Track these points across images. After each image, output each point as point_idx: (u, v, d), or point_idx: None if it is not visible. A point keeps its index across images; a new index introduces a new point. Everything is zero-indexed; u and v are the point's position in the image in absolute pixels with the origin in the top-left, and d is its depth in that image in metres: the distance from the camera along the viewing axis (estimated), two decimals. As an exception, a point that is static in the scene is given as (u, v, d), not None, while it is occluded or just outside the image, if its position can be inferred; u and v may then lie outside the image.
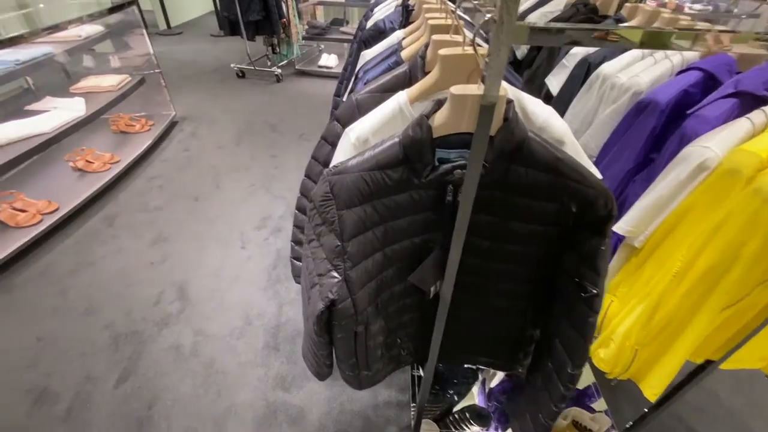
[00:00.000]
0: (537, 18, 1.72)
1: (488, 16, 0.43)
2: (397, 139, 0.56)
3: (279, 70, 3.79)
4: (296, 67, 4.04)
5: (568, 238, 0.61)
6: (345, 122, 0.80)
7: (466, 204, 0.56)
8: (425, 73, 0.75)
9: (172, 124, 3.00)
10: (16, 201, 1.96)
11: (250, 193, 2.29)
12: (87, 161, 2.31)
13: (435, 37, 0.73)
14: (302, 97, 3.53)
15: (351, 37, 3.98)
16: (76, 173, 2.28)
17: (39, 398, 1.29)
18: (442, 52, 0.63)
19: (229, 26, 3.58)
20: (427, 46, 0.76)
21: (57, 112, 2.12)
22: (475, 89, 0.50)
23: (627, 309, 0.81)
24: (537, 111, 0.67)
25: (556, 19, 1.54)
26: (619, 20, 1.25)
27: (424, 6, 1.05)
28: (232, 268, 1.81)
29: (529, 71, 1.46)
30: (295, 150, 2.72)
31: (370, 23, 1.53)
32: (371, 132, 0.68)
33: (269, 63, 4.11)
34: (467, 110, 0.52)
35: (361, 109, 0.78)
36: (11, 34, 1.81)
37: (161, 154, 2.64)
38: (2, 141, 1.85)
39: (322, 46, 4.50)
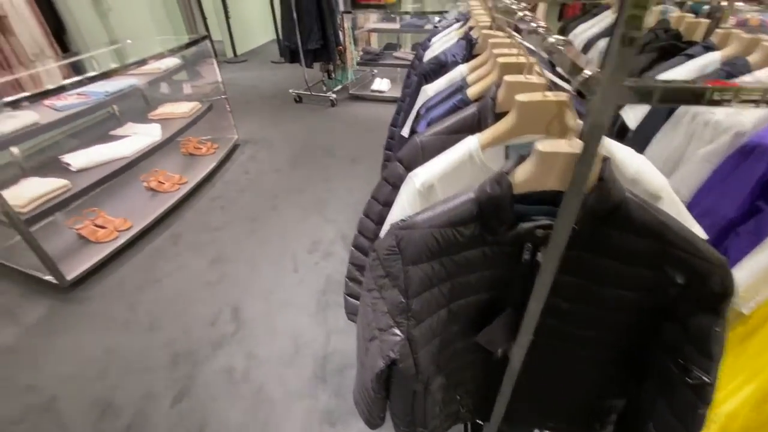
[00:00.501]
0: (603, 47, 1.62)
1: (588, 73, 0.39)
2: (472, 195, 0.52)
3: (334, 95, 3.92)
4: (350, 92, 4.16)
5: (669, 308, 0.53)
6: (408, 165, 0.77)
7: (550, 267, 0.50)
8: (496, 116, 0.70)
9: (235, 147, 3.18)
10: (97, 218, 2.15)
11: (303, 217, 2.34)
12: (159, 182, 2.50)
13: (508, 78, 0.69)
14: (355, 122, 3.62)
15: (404, 62, 4.07)
16: (149, 193, 2.47)
17: (104, 412, 1.36)
18: (520, 98, 0.59)
19: (290, 54, 3.78)
20: (498, 86, 0.72)
21: (136, 138, 2.32)
22: (567, 147, 0.45)
23: (733, 386, 0.69)
24: (627, 160, 0.60)
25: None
26: (708, 47, 1.13)
27: (491, 40, 1.01)
28: (284, 291, 1.84)
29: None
30: (347, 174, 2.76)
31: (429, 55, 1.51)
32: (438, 178, 0.65)
33: (325, 88, 4.27)
34: (556, 168, 0.47)
35: (426, 151, 0.75)
36: (103, 69, 2.04)
37: (224, 175, 2.80)
38: (89, 164, 2.05)
39: (375, 71, 4.61)
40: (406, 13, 3.70)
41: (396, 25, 3.96)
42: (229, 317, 1.72)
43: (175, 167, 2.73)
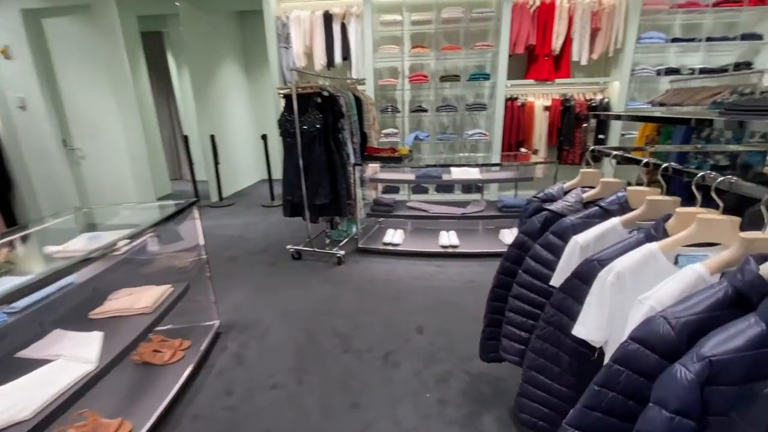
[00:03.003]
0: None
1: None
2: None
3: (341, 252, 3.27)
4: (359, 245, 3.54)
5: None
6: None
7: None
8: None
9: (215, 339, 2.29)
10: None
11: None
12: (82, 435, 1.51)
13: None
14: (373, 287, 2.88)
15: (419, 213, 3.60)
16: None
17: None
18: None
19: (290, 209, 3.22)
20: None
21: (55, 370, 1.43)
22: None
23: None
24: None
25: None
26: None
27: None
28: None
29: None
30: (383, 387, 1.88)
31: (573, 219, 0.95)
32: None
33: (328, 240, 3.65)
34: None
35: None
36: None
37: (193, 402, 1.83)
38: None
39: (381, 221, 4.11)
40: (426, 166, 3.37)
41: (410, 176, 3.60)
42: None
43: (118, 399, 1.77)
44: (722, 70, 4.76)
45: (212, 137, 5.30)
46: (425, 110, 5.08)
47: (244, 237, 4.07)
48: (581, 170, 1.40)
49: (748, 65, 4.72)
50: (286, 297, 2.78)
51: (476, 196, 5.08)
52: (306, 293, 2.83)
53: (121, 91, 4.33)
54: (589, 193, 1.28)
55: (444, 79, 4.95)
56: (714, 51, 4.95)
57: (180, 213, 2.04)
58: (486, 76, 4.91)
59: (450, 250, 3.40)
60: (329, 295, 2.79)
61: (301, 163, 2.99)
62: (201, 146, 5.43)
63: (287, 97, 2.98)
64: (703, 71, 4.77)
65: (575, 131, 5.00)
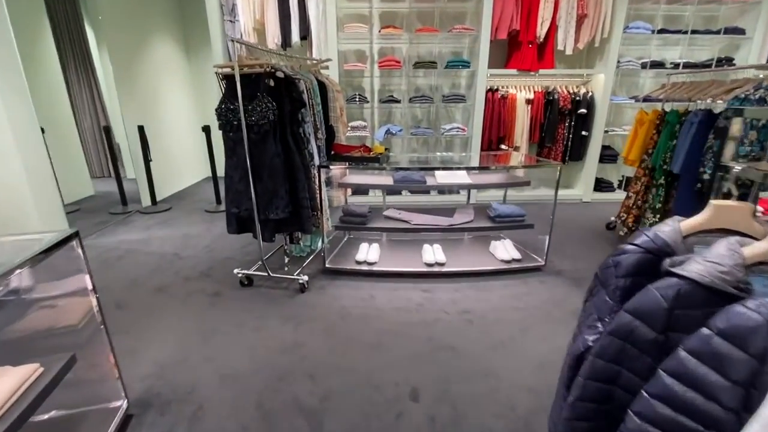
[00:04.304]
0: None
1: None
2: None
3: (305, 278, 2.60)
4: (326, 265, 2.88)
5: None
6: None
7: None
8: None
9: (122, 425, 1.57)
10: None
11: None
12: None
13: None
14: (346, 326, 2.26)
15: (401, 225, 2.99)
16: None
17: None
18: None
19: (237, 224, 2.50)
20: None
21: None
22: None
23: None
24: None
25: None
26: None
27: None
28: None
29: None
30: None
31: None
32: None
33: (287, 258, 2.97)
34: None
35: None
36: None
37: None
38: None
39: (351, 234, 3.48)
40: (407, 168, 2.75)
41: (386, 179, 2.98)
42: None
43: None
44: (704, 65, 4.57)
45: (141, 128, 4.35)
46: (397, 101, 4.47)
47: (181, 255, 3.27)
48: (712, 202, 0.85)
49: (729, 61, 4.56)
50: (232, 348, 2.08)
51: (458, 198, 4.58)
52: (259, 340, 2.15)
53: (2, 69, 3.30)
54: (756, 249, 0.73)
55: (418, 65, 4.35)
56: (694, 45, 4.75)
57: (50, 251, 1.29)
58: (465, 64, 4.38)
59: (436, 268, 2.85)
60: (290, 342, 2.12)
61: (249, 165, 2.28)
62: (128, 139, 4.47)
63: (229, 79, 2.24)
64: (686, 66, 4.55)
65: (558, 127, 4.63)
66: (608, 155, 4.83)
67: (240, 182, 2.35)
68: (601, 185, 4.97)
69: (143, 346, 2.07)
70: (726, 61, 4.53)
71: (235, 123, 2.24)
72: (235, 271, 2.70)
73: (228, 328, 2.25)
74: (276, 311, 2.41)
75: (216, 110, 2.28)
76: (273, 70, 2.21)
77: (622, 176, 5.11)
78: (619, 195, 4.97)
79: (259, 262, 2.64)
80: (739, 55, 4.63)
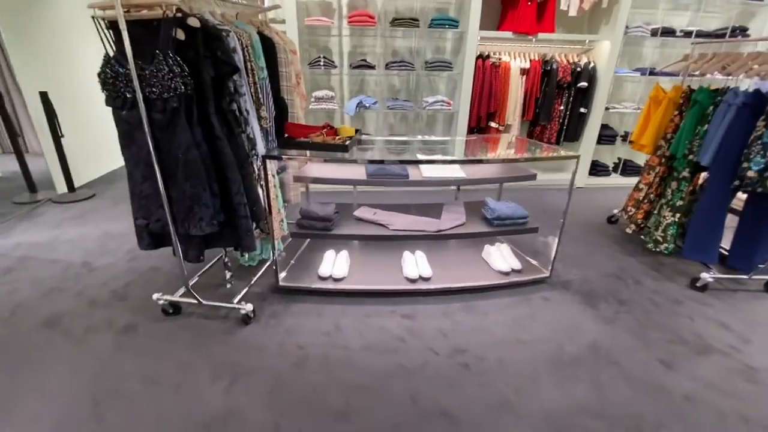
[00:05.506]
0: None
1: None
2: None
3: (248, 307, 1.96)
4: (280, 282, 2.25)
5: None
6: None
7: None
8: None
9: None
10: None
11: None
12: None
13: None
14: (302, 380, 1.66)
15: (376, 230, 2.30)
16: None
17: None
18: None
19: (151, 239, 1.80)
20: None
21: None
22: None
23: None
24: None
25: None
26: None
27: None
28: None
29: None
30: None
31: None
32: None
33: (229, 274, 2.30)
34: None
35: None
36: None
37: None
38: None
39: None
40: (384, 161, 2.08)
41: (358, 173, 2.32)
42: None
43: None
44: (716, 35, 4.06)
45: (44, 95, 3.42)
46: (371, 66, 3.72)
47: (92, 265, 2.53)
48: None
49: (743, 31, 4.06)
50: (136, 424, 1.45)
51: (445, 189, 3.98)
52: (177, 407, 1.52)
53: None
54: None
55: (397, 22, 3.59)
56: (704, 12, 4.21)
57: None
58: (453, 23, 3.65)
59: (420, 284, 2.28)
60: (220, 411, 1.51)
61: (155, 160, 1.56)
62: (25, 108, 3.52)
63: (114, 26, 1.47)
64: (699, 35, 4.02)
65: (555, 103, 4.05)
66: (607, 136, 4.32)
67: (144, 183, 1.63)
68: (596, 168, 4.50)
69: (18, 408, 1.40)
70: (740, 31, 4.03)
71: (129, 96, 1.50)
72: (155, 296, 2.02)
73: (135, 386, 1.61)
74: (206, 357, 1.78)
75: (98, 75, 1.52)
76: (182, 15, 1.46)
77: (618, 158, 4.66)
78: (615, 179, 4.53)
79: (183, 288, 1.97)
80: (753, 25, 4.13)
